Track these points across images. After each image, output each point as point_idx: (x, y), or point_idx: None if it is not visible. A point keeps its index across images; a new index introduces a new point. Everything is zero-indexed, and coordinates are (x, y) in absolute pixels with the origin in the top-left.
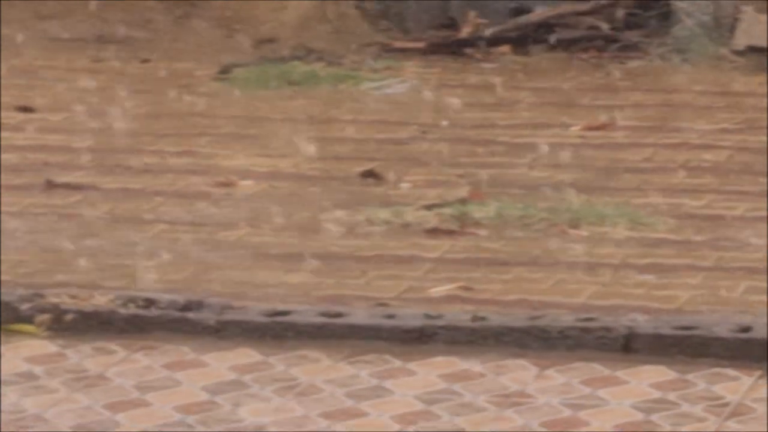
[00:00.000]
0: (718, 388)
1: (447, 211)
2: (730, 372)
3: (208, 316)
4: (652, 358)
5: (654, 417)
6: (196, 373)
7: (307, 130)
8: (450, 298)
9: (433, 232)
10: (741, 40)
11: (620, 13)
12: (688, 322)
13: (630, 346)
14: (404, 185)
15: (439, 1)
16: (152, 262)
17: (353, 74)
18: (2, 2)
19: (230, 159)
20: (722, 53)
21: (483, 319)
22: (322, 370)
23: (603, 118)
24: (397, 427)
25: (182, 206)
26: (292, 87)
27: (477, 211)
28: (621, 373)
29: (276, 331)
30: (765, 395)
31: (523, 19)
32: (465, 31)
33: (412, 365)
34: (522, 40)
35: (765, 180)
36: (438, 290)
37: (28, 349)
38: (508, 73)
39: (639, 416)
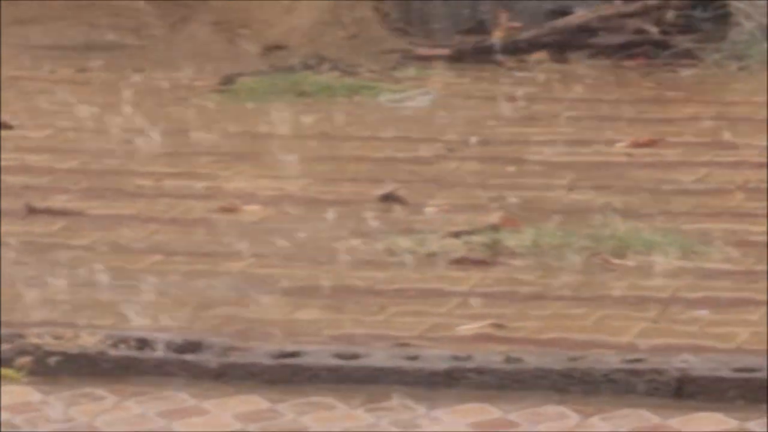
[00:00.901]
0: None
1: (477, 238)
2: None
3: (208, 359)
4: (708, 405)
5: None
6: (195, 423)
7: (319, 149)
8: (480, 337)
9: (461, 262)
10: None
11: (670, 15)
12: (747, 364)
13: (683, 391)
14: (429, 210)
15: (467, 2)
16: (146, 297)
17: (371, 85)
18: None
19: (233, 181)
20: None
21: (517, 360)
22: (336, 418)
23: (651, 133)
24: None
25: (179, 234)
26: (303, 99)
27: (510, 239)
28: (673, 422)
29: (285, 375)
30: None
31: (561, 23)
32: (496, 36)
33: (438, 413)
34: (560, 46)
35: None
36: (467, 328)
37: (7, 396)
38: (545, 83)
39: None
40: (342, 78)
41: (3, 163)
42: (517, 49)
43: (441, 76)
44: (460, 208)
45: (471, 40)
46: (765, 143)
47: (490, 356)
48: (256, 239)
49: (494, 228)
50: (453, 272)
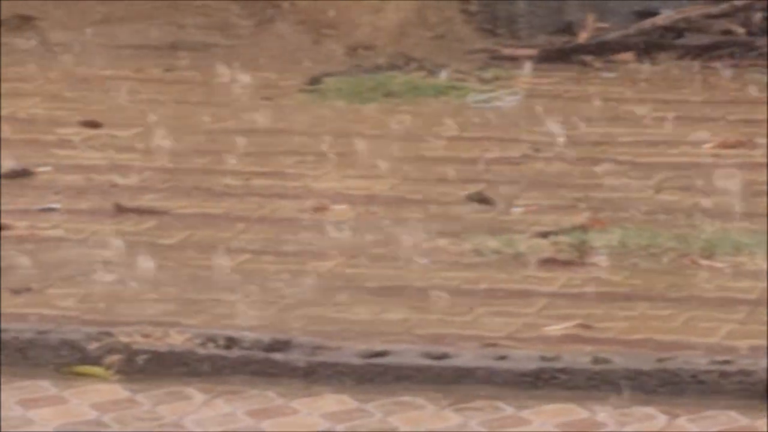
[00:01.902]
0: None
1: (564, 239)
2: None
3: (297, 358)
4: None
5: None
6: (283, 422)
7: (406, 149)
8: (568, 338)
9: (549, 262)
10: None
11: (758, 16)
12: None
13: None
14: (516, 210)
15: (554, 3)
16: (234, 296)
17: (458, 85)
18: (67, 4)
19: (321, 181)
20: None
21: (605, 361)
22: (425, 418)
23: (738, 134)
24: None
25: (268, 234)
26: (390, 100)
27: (597, 240)
28: (762, 423)
29: (373, 375)
30: None
31: (647, 23)
32: (583, 37)
33: (526, 413)
34: (647, 47)
35: None
36: (554, 328)
37: (96, 394)
38: (632, 84)
39: None
40: (428, 78)
41: (91, 162)
42: (603, 49)
43: (528, 76)
44: (547, 208)
45: (558, 41)
46: None
47: (578, 357)
48: (344, 239)
49: (581, 228)
50: (540, 272)
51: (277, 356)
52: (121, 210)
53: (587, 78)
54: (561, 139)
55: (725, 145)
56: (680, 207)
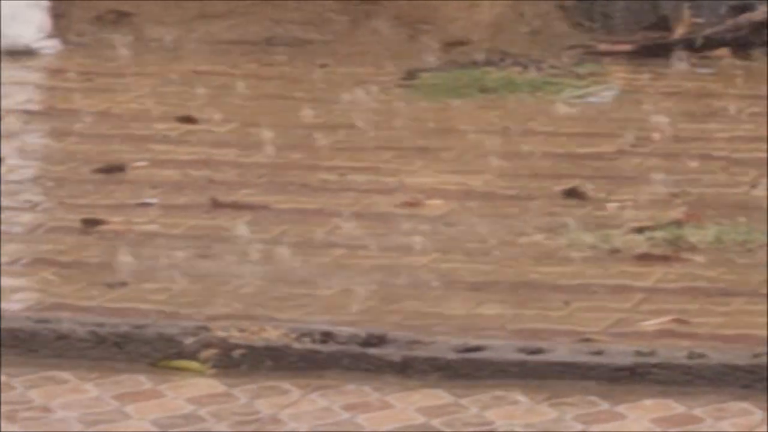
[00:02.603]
0: None
1: (659, 234)
2: None
3: (392, 352)
4: None
5: None
6: (379, 417)
7: (501, 144)
8: (663, 333)
9: (644, 258)
10: None
11: None
12: None
13: None
14: (611, 205)
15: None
16: (330, 291)
17: (553, 81)
18: (162, 2)
19: (416, 176)
20: None
21: (701, 356)
22: (520, 413)
23: None
24: None
25: (363, 228)
26: (486, 95)
27: (693, 235)
28: None
29: (468, 369)
30: None
31: (743, 19)
32: (678, 32)
33: (621, 408)
34: (742, 43)
35: None
36: (650, 324)
37: (192, 389)
38: (727, 79)
39: None
40: (524, 73)
41: (188, 158)
42: (699, 45)
43: (623, 72)
44: (642, 203)
45: (653, 36)
46: None
47: (674, 352)
48: (439, 234)
49: (677, 224)
50: (636, 268)
51: (373, 351)
52: (217, 205)
53: (682, 73)
54: (656, 135)
55: None
56: None
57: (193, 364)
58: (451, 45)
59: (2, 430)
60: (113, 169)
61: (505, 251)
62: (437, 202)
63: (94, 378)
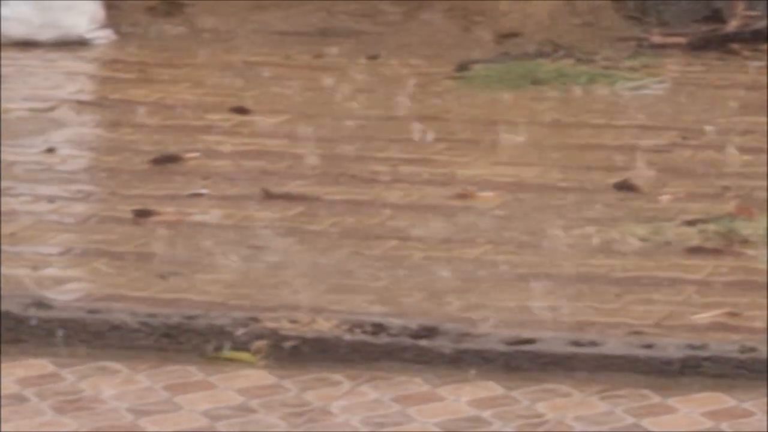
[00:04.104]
0: None
1: (711, 227)
2: None
3: (443, 344)
4: None
5: None
6: (429, 408)
7: (554, 136)
8: (715, 326)
9: (696, 251)
10: None
11: None
12: None
13: None
14: (664, 198)
15: None
16: (381, 282)
17: (606, 73)
18: None
19: (469, 167)
20: None
21: (752, 350)
22: (571, 405)
23: None
24: None
25: (415, 220)
26: (538, 87)
27: (745, 228)
28: None
29: (520, 362)
30: None
31: None
32: (732, 25)
33: (672, 401)
34: None
35: None
36: (702, 317)
37: (243, 380)
38: None
39: None
40: (577, 66)
41: (240, 148)
42: (753, 38)
43: (676, 64)
44: (694, 196)
45: (707, 29)
46: None
47: (725, 345)
48: (491, 226)
49: (729, 217)
50: (688, 261)
51: (424, 343)
52: (269, 196)
53: (736, 66)
54: (709, 128)
55: None
56: None
57: (244, 355)
58: (504, 37)
59: (53, 420)
60: (166, 159)
61: (556, 243)
62: (489, 194)
63: (146, 369)
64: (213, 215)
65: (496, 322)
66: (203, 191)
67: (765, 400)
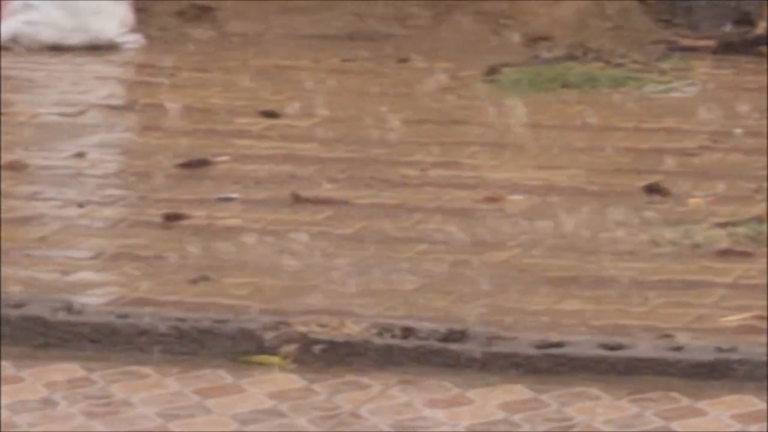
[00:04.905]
0: None
1: (741, 230)
2: None
3: (472, 348)
4: None
5: None
6: (458, 412)
7: (584, 139)
8: (744, 329)
9: (726, 253)
10: None
11: None
12: None
13: None
14: (693, 201)
15: None
16: (410, 286)
17: (636, 76)
18: None
19: (498, 171)
20: None
21: None
22: (601, 409)
23: None
24: None
25: (444, 224)
26: (568, 90)
27: None
28: None
29: (549, 365)
30: None
31: None
32: (762, 27)
33: (702, 404)
34: None
35: None
36: (731, 320)
37: (272, 384)
38: None
39: None
40: (606, 69)
41: (269, 152)
42: None
43: (706, 67)
44: (724, 199)
45: (736, 32)
46: None
47: (755, 348)
48: (520, 229)
49: (758, 219)
50: (717, 263)
51: (453, 346)
52: (298, 200)
53: (765, 69)
54: (738, 130)
55: None
56: None
57: (274, 359)
58: (533, 40)
59: (83, 424)
60: (195, 163)
61: (586, 247)
62: (519, 197)
63: (175, 373)
64: (242, 219)
65: (526, 326)
66: (233, 195)
67: None
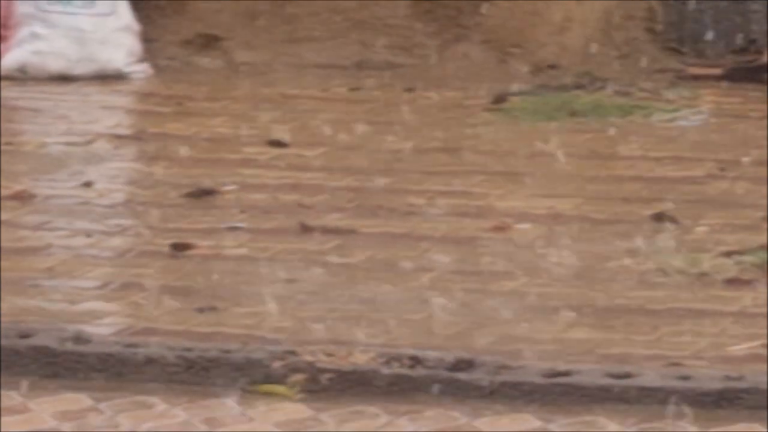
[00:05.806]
0: None
1: (748, 258)
2: None
3: (480, 377)
4: None
5: None
6: None
7: (591, 168)
8: (752, 357)
9: (733, 282)
10: None
11: None
12: None
13: None
14: (700, 230)
15: (739, 22)
16: (418, 315)
17: (643, 104)
18: (252, 24)
19: (505, 200)
20: None
21: None
22: None
23: None
24: None
25: (451, 253)
26: (575, 119)
27: None
28: None
29: (557, 394)
30: None
31: None
32: None
33: None
34: None
35: None
36: (739, 348)
37: (279, 413)
38: None
39: None
40: (614, 97)
41: (277, 181)
42: None
43: (713, 95)
44: (731, 227)
45: (743, 60)
46: None
47: (763, 377)
48: (528, 258)
49: (766, 248)
50: (725, 292)
51: (461, 375)
52: (306, 229)
53: None
54: (746, 159)
55: None
56: None
57: (281, 389)
58: (540, 69)
59: None
60: (202, 193)
61: (593, 275)
62: (526, 226)
63: (183, 402)
64: (250, 248)
65: (533, 355)
66: (240, 224)
67: None
